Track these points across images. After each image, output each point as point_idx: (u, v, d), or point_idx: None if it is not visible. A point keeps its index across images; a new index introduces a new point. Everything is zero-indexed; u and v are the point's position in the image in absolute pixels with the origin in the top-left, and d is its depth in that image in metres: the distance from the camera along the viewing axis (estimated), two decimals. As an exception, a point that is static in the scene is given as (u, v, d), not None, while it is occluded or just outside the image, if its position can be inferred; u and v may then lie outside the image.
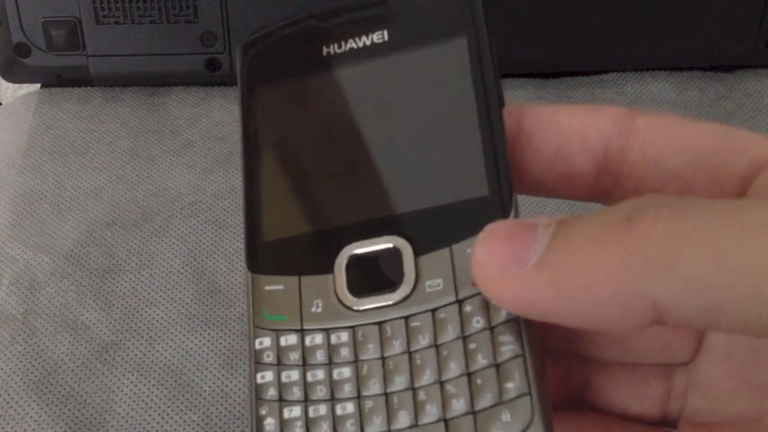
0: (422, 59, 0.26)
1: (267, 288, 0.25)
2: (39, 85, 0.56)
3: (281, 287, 0.25)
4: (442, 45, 0.26)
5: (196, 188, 0.49)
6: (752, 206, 0.19)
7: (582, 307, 0.20)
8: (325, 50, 0.27)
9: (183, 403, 0.40)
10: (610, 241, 0.19)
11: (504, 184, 0.23)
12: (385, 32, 0.26)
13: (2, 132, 0.54)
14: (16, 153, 0.52)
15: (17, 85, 0.59)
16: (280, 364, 0.24)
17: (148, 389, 0.40)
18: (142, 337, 0.42)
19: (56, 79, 0.55)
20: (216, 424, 0.39)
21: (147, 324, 0.43)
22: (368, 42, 0.27)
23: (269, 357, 0.24)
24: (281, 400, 0.23)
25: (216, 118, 0.54)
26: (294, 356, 0.24)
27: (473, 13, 0.26)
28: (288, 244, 0.25)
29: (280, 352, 0.24)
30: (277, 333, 0.24)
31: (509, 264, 0.21)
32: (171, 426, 0.39)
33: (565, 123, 0.25)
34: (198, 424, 0.39)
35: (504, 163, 0.24)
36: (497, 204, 0.23)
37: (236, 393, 0.40)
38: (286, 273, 0.25)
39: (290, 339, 0.24)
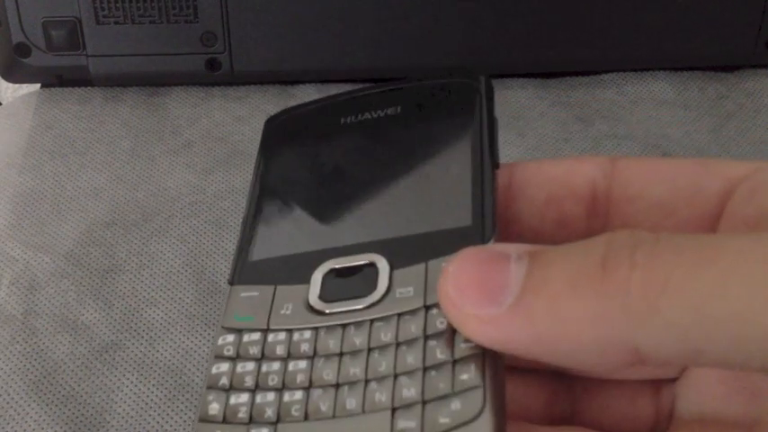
0: (429, 126, 0.28)
1: (242, 294, 0.25)
2: (39, 85, 0.56)
3: (255, 293, 0.25)
4: (449, 118, 0.28)
5: (196, 188, 0.49)
6: (727, 246, 0.19)
7: (560, 353, 0.20)
8: (342, 120, 0.29)
9: (182, 403, 0.40)
10: (587, 288, 0.19)
11: (487, 215, 0.24)
12: (399, 107, 0.29)
13: (2, 132, 0.54)
14: (16, 153, 0.52)
15: (17, 85, 0.59)
16: (238, 357, 0.24)
17: (148, 389, 0.40)
18: (142, 337, 0.42)
19: (56, 79, 0.55)
20: (216, 424, 0.39)
21: (147, 324, 0.43)
22: (382, 114, 0.29)
23: (228, 351, 0.24)
24: (231, 389, 0.23)
25: (216, 118, 0.54)
26: (254, 351, 0.24)
27: (478, 96, 0.28)
28: (271, 262, 0.26)
29: (240, 347, 0.24)
30: (242, 332, 0.24)
31: (483, 303, 0.20)
32: (171, 426, 0.39)
33: (552, 172, 0.26)
34: (198, 424, 0.39)
35: (490, 201, 0.25)
36: (479, 231, 0.24)
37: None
38: (264, 283, 0.25)
39: (253, 336, 0.24)
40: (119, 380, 0.41)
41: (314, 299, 0.24)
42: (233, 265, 0.26)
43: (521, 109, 0.54)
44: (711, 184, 0.24)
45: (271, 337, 0.24)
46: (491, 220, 0.24)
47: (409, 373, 0.22)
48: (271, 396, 0.23)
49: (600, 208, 0.25)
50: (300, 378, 0.23)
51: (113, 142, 0.52)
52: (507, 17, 0.54)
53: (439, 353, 0.22)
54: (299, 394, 0.23)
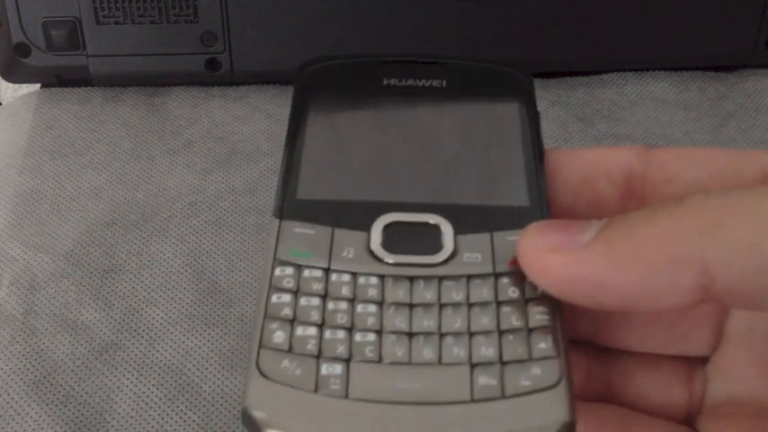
0: (477, 105, 0.28)
1: (297, 230, 0.24)
2: (39, 85, 0.56)
3: (311, 232, 0.24)
4: (498, 101, 0.29)
5: (196, 188, 0.49)
6: None
7: (633, 274, 0.20)
8: (385, 81, 0.29)
9: (183, 403, 0.40)
10: (662, 216, 0.21)
11: (543, 201, 0.25)
12: (444, 81, 0.29)
13: (2, 132, 0.54)
14: (16, 153, 0.52)
15: (17, 85, 0.59)
16: (299, 291, 0.23)
17: (148, 389, 0.40)
18: (142, 337, 0.42)
19: (56, 79, 0.55)
20: (216, 424, 0.39)
21: (147, 324, 0.43)
22: (427, 84, 0.29)
23: (289, 284, 0.23)
24: (296, 320, 0.23)
25: (216, 118, 0.54)
26: (317, 287, 0.23)
27: (526, 87, 0.29)
28: (324, 204, 0.25)
29: (302, 281, 0.23)
30: (301, 267, 0.24)
31: (563, 244, 0.21)
32: (171, 426, 0.39)
33: (587, 155, 0.26)
34: (198, 424, 0.39)
35: (545, 187, 0.25)
36: (537, 212, 0.25)
37: (236, 393, 0.40)
38: (319, 222, 0.24)
39: (314, 273, 0.23)
40: (119, 380, 0.41)
41: (377, 248, 0.24)
42: (277, 198, 0.25)
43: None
44: (749, 168, 0.24)
45: (334, 276, 0.23)
46: (546, 204, 0.25)
47: (485, 333, 0.22)
48: (341, 334, 0.22)
49: (635, 190, 0.26)
50: (371, 321, 0.23)
51: (113, 142, 0.52)
52: (507, 17, 0.54)
53: (514, 319, 0.23)
54: (371, 336, 0.22)
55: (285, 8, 0.53)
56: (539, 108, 0.28)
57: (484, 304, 0.23)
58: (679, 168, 0.25)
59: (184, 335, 0.43)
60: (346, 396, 0.21)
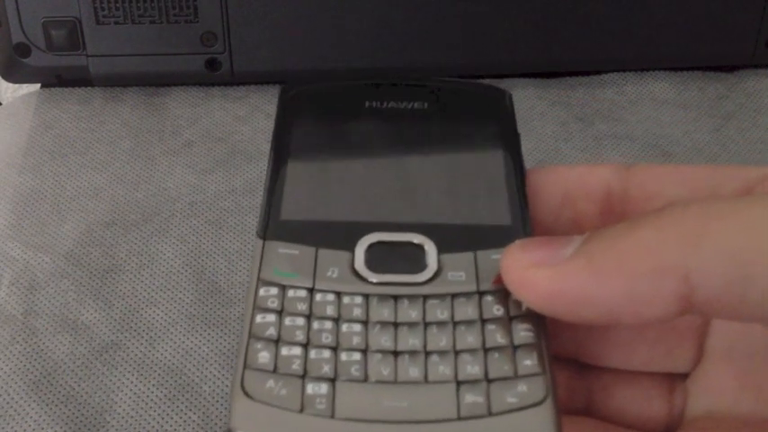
0: (458, 127, 0.29)
1: (281, 250, 0.24)
2: (39, 85, 0.56)
3: (295, 252, 0.24)
4: (478, 123, 0.29)
5: (196, 188, 0.49)
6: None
7: (616, 286, 0.20)
8: (367, 103, 0.29)
9: (183, 403, 0.40)
10: (643, 226, 0.20)
11: (525, 219, 0.25)
12: (426, 104, 0.29)
13: (2, 132, 0.54)
14: (16, 153, 0.52)
15: (17, 85, 0.59)
16: (284, 311, 0.23)
17: (148, 389, 0.40)
18: (142, 337, 0.42)
19: (56, 79, 0.55)
20: (216, 424, 0.39)
21: (147, 324, 0.43)
22: (408, 106, 0.29)
23: (273, 304, 0.23)
24: (281, 340, 0.23)
25: (216, 118, 0.54)
26: (301, 307, 0.23)
27: (506, 107, 0.29)
28: (308, 224, 0.25)
29: (286, 301, 0.23)
30: (285, 287, 0.24)
31: (544, 259, 0.21)
32: (171, 426, 0.39)
33: (567, 174, 0.27)
34: (198, 424, 0.39)
35: (526, 207, 0.26)
36: (520, 231, 0.25)
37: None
38: (303, 243, 0.24)
39: (298, 293, 0.23)
40: (119, 380, 0.41)
41: (361, 267, 0.24)
42: (261, 219, 0.25)
43: (521, 109, 0.54)
44: (729, 184, 0.24)
45: (318, 296, 0.23)
46: (528, 222, 0.25)
47: (471, 351, 0.22)
48: (326, 353, 0.22)
49: (615, 207, 0.26)
50: (356, 340, 0.22)
51: (113, 142, 0.52)
52: (507, 17, 0.54)
53: (499, 337, 0.22)
54: (356, 355, 0.22)
55: (285, 8, 0.53)
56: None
57: (469, 322, 0.23)
58: (659, 186, 0.25)
59: (184, 335, 0.43)
60: (332, 416, 0.21)
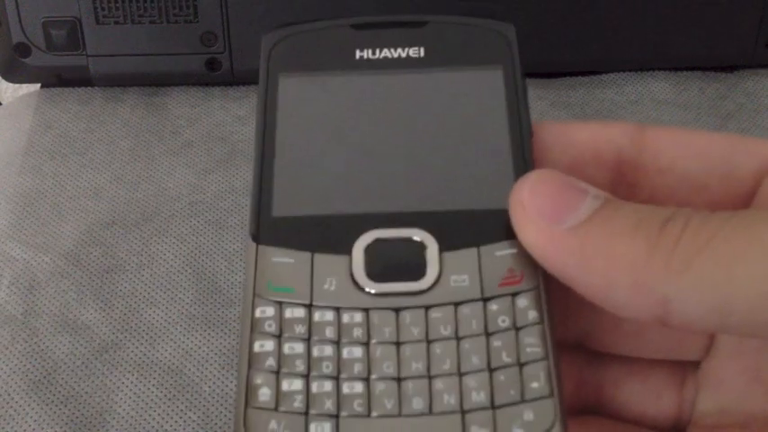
0: (457, 79, 0.26)
1: (275, 259, 0.23)
2: (39, 85, 0.56)
3: (290, 260, 0.23)
4: (479, 70, 0.26)
5: (196, 188, 0.49)
6: (763, 217, 0.20)
7: (596, 284, 0.21)
8: (358, 54, 0.27)
9: (183, 403, 0.40)
10: (642, 237, 0.20)
11: None
12: (422, 49, 0.27)
13: (2, 132, 0.54)
14: (16, 153, 0.52)
15: (17, 85, 0.59)
16: (282, 336, 0.22)
17: (148, 389, 0.40)
18: (142, 337, 0.42)
19: (56, 79, 0.55)
20: (216, 424, 0.39)
21: (147, 324, 0.43)
22: (403, 55, 0.26)
23: (270, 327, 0.22)
24: (281, 372, 0.22)
25: (216, 118, 0.54)
26: (300, 329, 0.22)
27: (509, 47, 0.27)
28: (302, 222, 0.24)
29: (283, 323, 0.22)
30: (282, 305, 0.23)
31: (549, 216, 0.21)
32: (171, 426, 0.39)
33: (577, 137, 0.25)
34: (198, 424, 0.39)
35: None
36: None
37: (235, 393, 0.40)
38: (298, 248, 0.23)
39: (296, 312, 0.22)
40: (119, 380, 0.41)
41: (360, 275, 0.23)
42: (252, 217, 0.24)
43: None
44: (746, 163, 0.24)
45: (317, 315, 0.22)
46: None
47: (475, 373, 0.22)
48: (328, 386, 0.22)
49: (626, 176, 0.25)
50: (358, 368, 0.22)
51: (113, 142, 0.52)
52: (507, 17, 0.54)
53: (505, 355, 0.22)
54: (359, 386, 0.22)
55: (285, 8, 0.53)
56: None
57: (473, 337, 0.22)
58: (674, 159, 0.24)
59: (184, 335, 0.43)
60: None
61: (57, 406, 0.40)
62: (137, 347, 0.42)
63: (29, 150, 0.52)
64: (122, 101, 0.55)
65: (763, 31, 0.55)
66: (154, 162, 0.51)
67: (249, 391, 0.22)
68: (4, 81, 0.56)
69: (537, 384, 0.21)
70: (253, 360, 0.22)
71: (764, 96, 0.56)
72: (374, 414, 0.21)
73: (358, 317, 0.22)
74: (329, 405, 0.21)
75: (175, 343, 0.42)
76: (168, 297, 0.44)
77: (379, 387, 0.22)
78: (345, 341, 0.22)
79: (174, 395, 0.40)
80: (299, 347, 0.22)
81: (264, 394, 0.22)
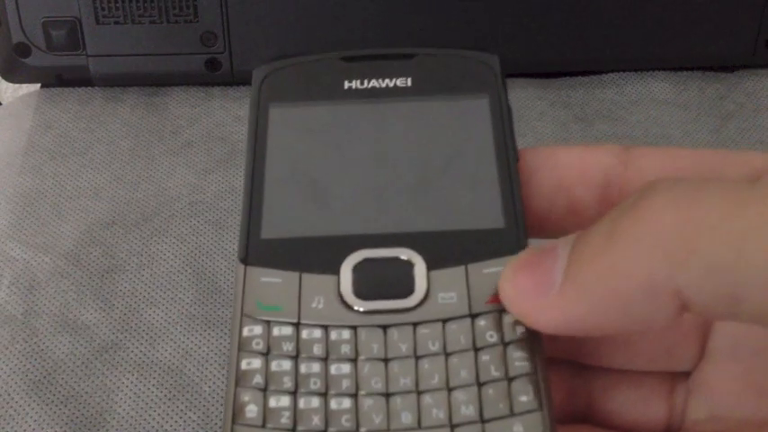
0: (444, 107, 0.27)
1: (263, 279, 0.23)
2: (39, 85, 0.56)
3: (278, 280, 0.23)
4: (465, 99, 0.27)
5: (196, 188, 0.49)
6: (761, 190, 0.18)
7: (614, 310, 0.20)
8: (346, 84, 0.27)
9: (183, 403, 0.40)
10: (621, 235, 0.19)
11: (519, 219, 0.24)
12: (409, 79, 0.27)
13: (2, 132, 0.54)
14: (16, 153, 0.52)
15: (17, 85, 0.59)
16: (270, 353, 0.22)
17: (148, 389, 0.40)
18: (142, 337, 0.42)
19: (56, 79, 0.55)
20: (216, 424, 0.39)
21: (147, 324, 0.43)
22: (391, 84, 0.27)
23: (258, 345, 0.22)
24: (268, 389, 0.22)
25: (216, 118, 0.54)
26: (287, 347, 0.22)
27: (495, 77, 0.27)
28: (290, 243, 0.24)
29: (271, 341, 0.22)
30: (270, 323, 0.23)
31: (538, 290, 0.21)
32: (171, 426, 0.39)
33: (563, 158, 0.25)
34: (198, 424, 0.39)
35: (520, 203, 0.24)
36: (513, 235, 0.24)
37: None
38: (286, 268, 0.23)
39: (284, 330, 0.22)
40: (119, 380, 0.41)
41: (348, 294, 0.23)
42: (242, 239, 0.24)
43: (521, 109, 0.54)
44: (735, 172, 0.23)
45: (305, 333, 0.22)
46: (523, 222, 0.24)
47: (464, 387, 0.22)
48: (316, 402, 0.21)
49: (613, 195, 0.25)
50: (346, 384, 0.22)
51: (113, 142, 0.52)
52: (507, 17, 0.54)
53: (493, 369, 0.22)
54: (347, 402, 0.21)
55: (285, 8, 0.53)
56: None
57: (461, 352, 0.22)
58: (660, 175, 0.24)
59: (184, 335, 0.43)
60: None
61: (57, 406, 0.40)
62: (137, 347, 0.42)
63: (29, 150, 0.52)
64: (122, 101, 0.55)
65: (763, 31, 0.55)
66: (154, 162, 0.51)
67: (236, 408, 0.22)
68: (4, 81, 0.56)
69: (526, 398, 0.21)
70: (240, 378, 0.22)
71: (764, 96, 0.56)
72: (362, 430, 0.21)
73: (346, 334, 0.22)
74: (317, 421, 0.21)
75: (175, 343, 0.42)
76: (168, 297, 0.44)
77: (367, 403, 0.21)
78: (333, 358, 0.22)
79: (174, 395, 0.40)
80: (287, 365, 0.22)
81: (252, 411, 0.22)
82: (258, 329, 0.22)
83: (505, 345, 0.22)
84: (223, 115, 0.54)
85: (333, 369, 0.22)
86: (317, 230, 0.24)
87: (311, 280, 0.23)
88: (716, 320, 0.24)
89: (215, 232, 0.47)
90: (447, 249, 0.23)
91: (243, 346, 0.22)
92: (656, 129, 0.53)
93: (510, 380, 0.22)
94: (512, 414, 0.21)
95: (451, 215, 0.24)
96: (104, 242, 0.46)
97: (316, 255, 0.24)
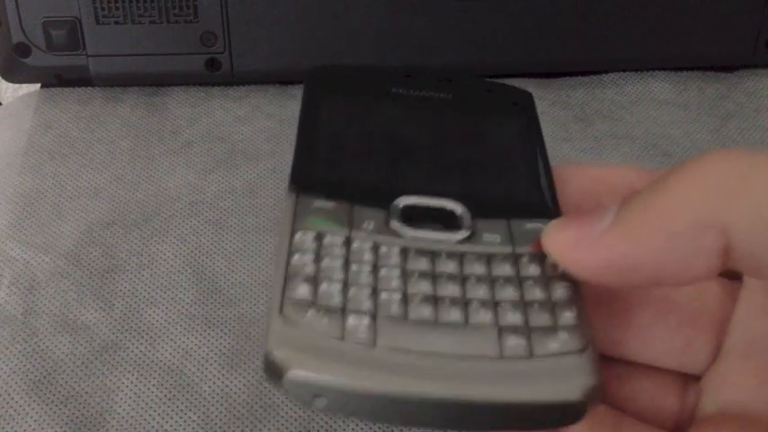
0: (484, 117, 0.29)
1: (316, 204, 0.24)
2: (39, 85, 0.56)
3: (330, 205, 0.24)
4: (502, 114, 0.29)
5: (196, 188, 0.49)
6: None
7: (658, 247, 0.20)
8: (393, 89, 0.29)
9: (183, 403, 0.40)
10: (678, 183, 0.20)
11: (555, 200, 0.26)
12: (450, 95, 0.30)
13: (2, 132, 0.54)
14: (16, 153, 0.52)
15: (17, 85, 0.59)
16: (321, 254, 0.23)
17: (148, 389, 0.40)
18: (142, 337, 0.42)
19: (56, 79, 0.55)
20: (216, 424, 0.39)
21: (147, 324, 0.43)
22: (434, 95, 0.29)
23: (309, 247, 0.23)
24: (319, 277, 0.22)
25: (216, 118, 0.54)
26: (339, 252, 0.23)
27: (530, 106, 0.30)
28: (342, 183, 0.25)
29: (323, 246, 0.23)
30: (321, 233, 0.23)
31: (581, 236, 0.22)
32: (171, 426, 0.39)
33: (591, 172, 0.27)
34: (198, 424, 0.39)
35: (554, 188, 0.26)
36: (550, 208, 0.25)
37: (236, 393, 0.40)
38: (338, 199, 0.24)
39: (335, 239, 0.23)
40: (119, 380, 0.41)
41: (396, 225, 0.24)
42: (293, 174, 0.25)
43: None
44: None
45: (356, 244, 0.23)
46: (558, 205, 0.26)
47: (510, 302, 0.22)
48: (366, 291, 0.22)
49: None
50: (395, 283, 0.22)
51: (113, 142, 0.52)
52: (507, 17, 0.54)
53: (538, 292, 0.23)
54: (396, 295, 0.22)
55: (285, 8, 0.53)
56: (538, 108, 0.28)
57: (506, 278, 0.23)
58: None
59: (184, 335, 0.43)
60: (374, 344, 0.21)
61: (57, 406, 0.40)
62: (137, 347, 0.42)
63: (29, 150, 0.52)
64: (122, 101, 0.55)
65: (764, 31, 0.55)
66: (154, 162, 0.51)
67: (287, 288, 0.22)
68: (4, 81, 0.56)
69: (569, 314, 0.22)
70: (290, 270, 0.22)
71: (764, 96, 0.56)
72: (411, 317, 0.22)
73: (395, 249, 0.23)
74: (368, 305, 0.22)
75: (175, 343, 0.42)
76: (168, 297, 0.44)
77: (416, 299, 0.22)
78: (383, 265, 0.23)
79: (174, 395, 0.40)
80: (338, 262, 0.23)
81: (303, 291, 0.22)
82: (310, 236, 0.23)
83: (548, 278, 0.23)
84: (223, 115, 0.54)
85: (383, 272, 0.23)
86: (368, 176, 0.26)
87: (362, 210, 0.24)
88: (754, 275, 0.24)
89: (215, 232, 0.47)
90: (491, 206, 0.25)
91: (294, 248, 0.23)
92: (656, 129, 0.53)
93: (554, 303, 0.23)
94: (556, 326, 0.22)
95: (494, 185, 0.26)
96: (104, 242, 0.46)
97: (367, 193, 0.25)
